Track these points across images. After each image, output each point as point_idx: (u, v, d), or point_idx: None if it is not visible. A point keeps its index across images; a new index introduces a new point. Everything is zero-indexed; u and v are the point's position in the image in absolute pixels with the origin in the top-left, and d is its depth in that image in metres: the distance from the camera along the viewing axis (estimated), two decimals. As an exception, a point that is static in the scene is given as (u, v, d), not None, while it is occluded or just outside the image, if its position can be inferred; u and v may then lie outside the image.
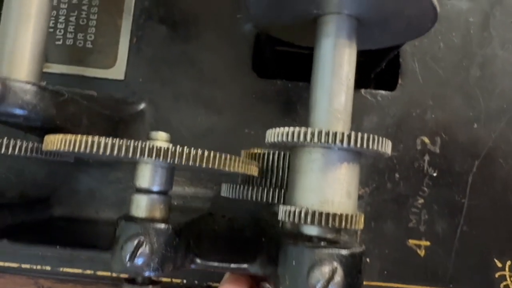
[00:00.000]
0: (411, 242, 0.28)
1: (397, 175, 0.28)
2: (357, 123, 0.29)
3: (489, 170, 0.28)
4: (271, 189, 0.19)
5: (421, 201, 0.28)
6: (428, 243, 0.28)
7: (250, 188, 0.20)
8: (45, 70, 0.27)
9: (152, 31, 0.28)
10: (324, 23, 0.19)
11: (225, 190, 0.21)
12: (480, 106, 0.29)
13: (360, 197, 0.28)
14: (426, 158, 0.28)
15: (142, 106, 0.28)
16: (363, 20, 0.19)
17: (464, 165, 0.28)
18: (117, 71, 0.28)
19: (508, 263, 0.28)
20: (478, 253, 0.28)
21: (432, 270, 0.28)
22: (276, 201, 0.19)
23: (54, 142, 0.17)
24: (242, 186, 0.20)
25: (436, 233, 0.28)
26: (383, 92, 0.29)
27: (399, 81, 0.29)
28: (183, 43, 0.28)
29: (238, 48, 0.28)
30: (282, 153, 0.20)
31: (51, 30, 0.27)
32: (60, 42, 0.28)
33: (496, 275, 0.28)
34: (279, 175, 0.20)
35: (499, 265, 0.28)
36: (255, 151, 0.22)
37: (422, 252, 0.28)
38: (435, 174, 0.28)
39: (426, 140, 0.28)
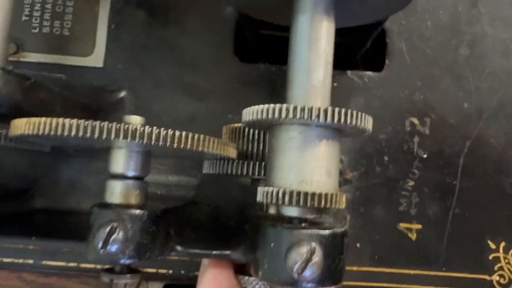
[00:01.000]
0: (402, 226, 0.27)
1: (386, 158, 0.27)
2: (343, 105, 0.28)
3: (481, 151, 0.28)
4: (252, 163, 0.19)
5: (411, 183, 0.27)
6: (419, 226, 0.27)
7: (231, 163, 0.19)
8: (22, 59, 0.27)
9: (130, 17, 0.28)
10: (300, -3, 0.18)
11: (207, 167, 0.21)
12: (470, 85, 0.28)
13: (349, 182, 0.28)
14: (416, 139, 0.28)
15: (122, 94, 0.27)
16: (340, -7, 0.18)
17: (455, 146, 0.28)
18: (96, 59, 0.27)
19: (502, 244, 0.27)
20: (471, 235, 0.27)
21: (424, 254, 0.27)
22: (256, 174, 0.19)
23: (20, 126, 0.16)
24: (223, 161, 0.19)
25: (427, 216, 0.27)
26: (370, 73, 0.28)
27: (386, 61, 0.28)
28: (163, 28, 0.28)
29: (219, 33, 0.28)
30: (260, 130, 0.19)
31: (27, 18, 0.27)
32: (37, 31, 0.27)
33: (490, 257, 0.27)
34: (260, 149, 0.19)
35: (493, 246, 0.27)
36: (236, 125, 0.21)
37: (413, 236, 0.27)
38: (425, 156, 0.27)
39: (416, 121, 0.28)
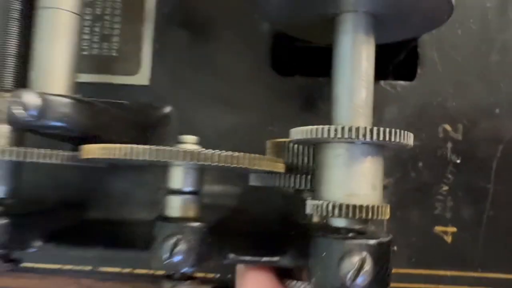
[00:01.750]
0: (438, 229, 0.28)
1: (420, 164, 0.28)
2: (378, 114, 0.29)
3: None
4: (297, 176, 0.20)
5: (445, 188, 0.28)
6: (454, 229, 0.28)
7: (277, 176, 0.21)
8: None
9: (173, 37, 0.29)
10: (342, 21, 0.19)
11: (253, 180, 0.22)
12: (501, 91, 0.29)
13: (385, 188, 0.29)
14: (449, 145, 0.29)
15: (167, 109, 0.29)
16: (380, 16, 0.19)
17: (488, 150, 0.29)
18: (142, 77, 0.29)
19: None
20: (506, 237, 0.28)
21: (460, 256, 0.28)
22: (301, 186, 0.20)
23: (93, 150, 0.18)
24: (269, 174, 0.21)
25: (462, 219, 0.28)
26: (402, 82, 0.29)
27: (418, 70, 0.29)
28: (204, 46, 0.29)
29: (256, 48, 0.29)
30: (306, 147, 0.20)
31: (78, 41, 0.29)
32: (87, 53, 0.29)
33: None
34: (304, 162, 0.20)
35: None
36: (279, 140, 0.23)
37: (449, 239, 0.28)
38: (458, 161, 0.28)
39: (448, 127, 0.29)
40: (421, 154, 0.29)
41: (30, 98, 0.17)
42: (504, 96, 0.29)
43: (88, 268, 0.29)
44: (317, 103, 0.29)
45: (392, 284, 0.28)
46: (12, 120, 0.18)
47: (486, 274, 0.28)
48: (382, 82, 0.29)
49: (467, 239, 0.28)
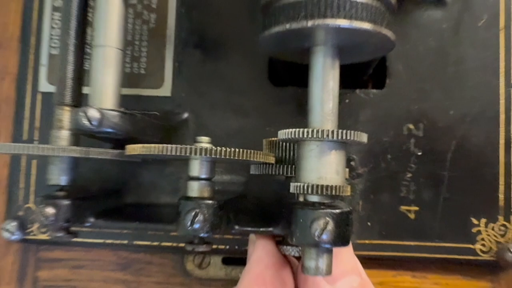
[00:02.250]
0: (403, 208, 0.35)
1: (389, 156, 0.35)
2: (355, 117, 0.35)
3: (465, 148, 0.34)
4: (285, 166, 0.27)
5: (409, 175, 0.35)
6: (417, 208, 0.34)
7: (270, 166, 0.27)
8: (111, 93, 0.36)
9: (189, 56, 0.35)
10: (315, 51, 0.26)
11: (253, 169, 0.29)
12: (455, 96, 0.34)
13: (360, 175, 0.35)
14: (412, 141, 0.35)
15: (185, 115, 0.35)
16: (342, 47, 0.26)
17: (444, 145, 0.34)
18: (165, 90, 0.36)
19: (483, 220, 0.34)
20: (458, 214, 0.34)
21: (421, 229, 0.34)
22: (289, 173, 0.27)
23: (136, 148, 0.25)
24: (265, 165, 0.28)
25: (423, 200, 0.34)
26: (374, 90, 0.35)
27: (387, 80, 0.35)
28: (214, 63, 0.35)
29: (257, 64, 0.35)
30: (290, 145, 0.27)
31: (113, 62, 0.36)
32: (121, 71, 0.36)
33: (473, 230, 0.34)
34: (290, 155, 0.27)
35: (475, 222, 0.34)
36: (273, 139, 0.30)
37: (412, 216, 0.35)
38: (420, 154, 0.34)
39: (412, 126, 0.35)
40: (389, 148, 0.34)
41: (93, 112, 0.24)
42: (457, 100, 0.34)
43: (125, 242, 0.35)
44: (304, 108, 0.35)
45: (366, 252, 0.35)
46: (78, 128, 0.25)
47: (442, 244, 0.34)
48: (357, 91, 0.35)
49: (427, 216, 0.34)
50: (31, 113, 0.36)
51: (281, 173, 0.28)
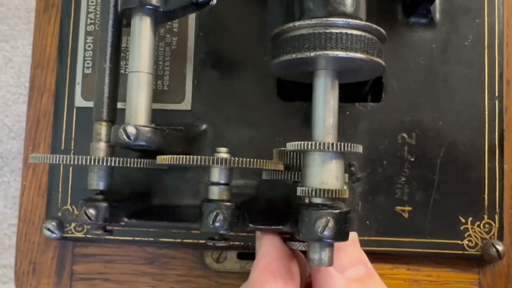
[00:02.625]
0: (398, 208, 0.38)
1: (385, 162, 0.38)
2: (354, 128, 0.39)
3: (453, 154, 0.37)
4: (292, 172, 0.31)
5: (403, 179, 0.38)
6: (410, 208, 0.38)
7: (280, 172, 0.32)
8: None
9: (207, 75, 0.39)
10: (317, 75, 0.30)
11: (265, 175, 0.33)
12: (444, 108, 0.38)
13: (359, 179, 0.39)
14: (406, 148, 0.38)
15: (204, 127, 0.39)
16: (340, 71, 0.31)
17: (434, 151, 0.37)
18: (186, 104, 0.40)
19: (470, 219, 0.37)
20: (447, 214, 0.37)
21: (414, 227, 0.37)
22: (295, 179, 0.31)
23: (166, 159, 0.30)
24: (275, 171, 0.32)
25: (415, 201, 0.37)
26: (372, 104, 0.38)
27: (383, 95, 0.38)
28: (229, 81, 0.39)
29: (266, 82, 0.39)
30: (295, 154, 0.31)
31: (140, 80, 0.40)
32: (147, 88, 0.40)
33: (461, 228, 0.37)
34: (297, 163, 0.31)
35: (463, 220, 0.37)
36: (282, 149, 0.34)
37: (406, 215, 0.38)
38: (412, 160, 0.38)
39: (405, 135, 0.39)
40: (385, 155, 0.38)
41: (131, 129, 0.29)
42: (446, 112, 0.38)
43: (151, 239, 0.39)
44: (309, 120, 0.38)
45: (365, 248, 0.38)
46: (117, 142, 0.30)
47: (433, 240, 0.37)
48: (357, 104, 0.39)
49: (419, 215, 0.37)
50: (68, 125, 0.41)
51: (289, 178, 0.32)
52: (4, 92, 0.64)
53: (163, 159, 0.30)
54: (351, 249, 0.32)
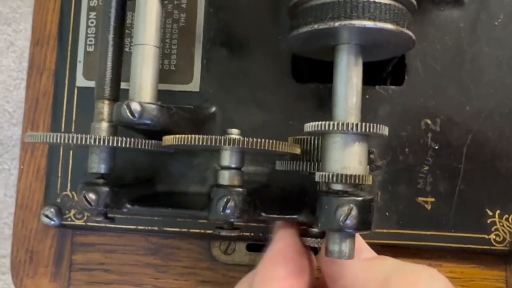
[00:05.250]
0: (420, 199, 0.36)
1: (407, 150, 0.36)
2: (374, 112, 0.37)
3: (480, 142, 0.35)
4: (309, 162, 0.29)
5: (426, 168, 0.36)
6: (433, 199, 0.35)
7: (295, 162, 0.29)
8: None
9: (216, 54, 0.37)
10: (339, 50, 0.28)
11: (279, 165, 0.31)
12: (471, 92, 0.36)
13: (379, 167, 0.37)
14: (429, 135, 0.36)
15: (213, 109, 0.37)
16: (365, 45, 0.28)
17: (460, 139, 0.35)
18: (194, 85, 0.38)
19: (498, 212, 0.35)
20: (473, 206, 0.35)
21: (437, 220, 0.35)
22: (312, 170, 0.29)
23: (170, 139, 0.27)
24: (290, 161, 0.30)
25: (439, 192, 0.35)
26: (393, 87, 0.36)
27: (405, 77, 0.36)
28: (240, 61, 0.37)
29: (280, 61, 0.36)
30: (315, 137, 0.29)
31: (145, 59, 0.38)
32: (152, 67, 0.38)
33: (488, 221, 0.35)
34: (314, 152, 0.29)
35: (490, 213, 0.35)
36: (298, 137, 0.31)
37: (429, 206, 0.36)
38: (436, 147, 0.35)
39: (429, 121, 0.36)
40: (407, 142, 0.35)
41: (135, 105, 0.26)
42: (473, 96, 0.35)
43: (155, 228, 0.37)
44: (326, 103, 0.37)
45: (384, 241, 0.36)
46: (120, 120, 0.27)
47: (456, 234, 0.35)
48: (377, 87, 0.36)
49: (443, 207, 0.35)
50: (68, 106, 0.39)
51: (305, 169, 0.29)
52: (5, 77, 0.62)
53: (170, 140, 0.27)
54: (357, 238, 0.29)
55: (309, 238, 0.30)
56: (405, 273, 0.25)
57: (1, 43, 0.63)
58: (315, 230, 0.29)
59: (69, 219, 0.38)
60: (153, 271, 0.38)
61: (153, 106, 0.27)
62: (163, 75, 0.37)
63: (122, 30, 0.32)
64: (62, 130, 0.38)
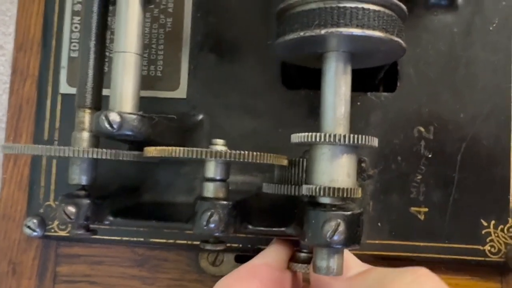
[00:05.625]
0: (413, 209, 0.35)
1: (399, 158, 0.35)
2: (366, 119, 0.36)
3: (474, 150, 0.34)
4: (294, 186, 0.27)
5: (419, 177, 0.35)
6: (426, 209, 0.35)
7: (282, 186, 0.28)
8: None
9: (204, 59, 0.36)
10: (327, 57, 0.27)
11: (265, 188, 0.29)
12: (465, 99, 0.35)
13: (371, 177, 0.36)
14: (422, 143, 0.35)
15: (200, 117, 0.36)
16: (354, 53, 0.27)
17: (454, 147, 0.34)
18: (181, 92, 0.37)
19: (492, 222, 0.34)
20: (467, 216, 0.34)
21: (430, 230, 0.34)
22: (297, 194, 0.27)
23: (154, 151, 0.26)
24: (277, 184, 0.28)
25: (432, 201, 0.34)
26: (385, 93, 0.35)
27: (398, 84, 0.35)
28: (229, 66, 0.36)
29: (270, 67, 0.35)
30: (302, 161, 0.27)
31: (131, 64, 0.37)
32: (138, 73, 0.37)
33: (483, 232, 0.34)
34: (298, 176, 0.28)
35: (485, 224, 0.34)
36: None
37: (422, 217, 0.35)
38: (430, 156, 0.34)
39: (422, 129, 0.35)
40: (400, 150, 0.35)
41: (114, 116, 0.25)
42: (467, 103, 0.35)
43: (141, 239, 0.36)
44: (317, 110, 0.35)
45: (376, 252, 0.35)
46: (99, 131, 0.26)
47: (450, 245, 0.34)
48: (369, 94, 0.35)
49: (436, 217, 0.34)
50: (52, 114, 0.37)
51: (292, 193, 0.28)
52: (-6, 80, 0.61)
53: (151, 151, 0.26)
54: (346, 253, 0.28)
55: (297, 264, 0.29)
56: (387, 282, 0.24)
57: (-10, 46, 0.62)
58: (303, 255, 0.28)
59: (53, 230, 0.37)
60: (139, 283, 0.37)
61: (134, 116, 0.26)
62: (149, 81, 0.37)
63: (104, 36, 0.31)
64: (46, 138, 0.37)
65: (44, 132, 0.37)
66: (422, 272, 0.25)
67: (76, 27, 0.38)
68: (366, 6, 0.24)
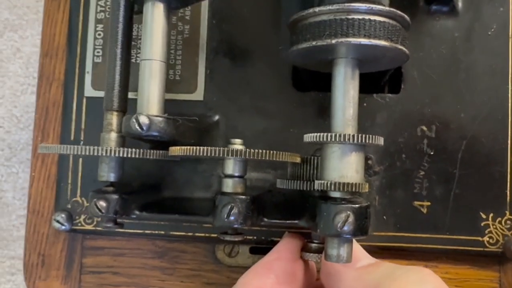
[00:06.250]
0: (416, 203, 0.37)
1: (403, 155, 0.37)
2: (371, 119, 0.38)
3: (474, 148, 0.36)
4: (306, 182, 0.30)
5: (422, 173, 0.37)
6: (429, 203, 0.36)
7: (295, 182, 0.30)
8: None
9: (219, 64, 0.38)
10: (337, 63, 0.29)
11: (279, 183, 0.31)
12: (465, 100, 0.37)
13: (377, 173, 0.38)
14: (425, 141, 0.37)
15: (216, 118, 0.38)
16: (362, 59, 0.29)
17: (455, 145, 0.36)
18: (198, 95, 0.39)
19: (491, 215, 0.36)
20: (467, 209, 0.36)
21: (432, 223, 0.36)
22: (309, 189, 0.29)
23: (177, 150, 0.29)
24: (290, 180, 0.31)
25: (435, 196, 0.36)
26: (390, 95, 0.37)
27: (402, 85, 0.37)
28: (243, 70, 0.38)
29: (281, 71, 0.37)
30: (314, 158, 0.30)
31: (151, 69, 0.39)
32: (158, 77, 0.39)
33: (482, 224, 0.36)
34: (310, 172, 0.30)
35: (484, 216, 0.36)
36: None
37: (425, 210, 0.37)
38: (432, 153, 0.36)
39: (425, 128, 0.37)
40: (404, 148, 0.37)
41: (143, 119, 0.28)
42: (468, 104, 0.36)
43: (162, 232, 0.38)
44: (325, 111, 0.38)
45: (382, 244, 0.38)
46: (129, 132, 0.29)
47: (452, 236, 0.36)
48: (374, 95, 0.37)
49: (438, 211, 0.36)
50: (77, 116, 0.40)
51: (304, 188, 0.30)
52: (13, 82, 0.64)
53: (176, 150, 0.29)
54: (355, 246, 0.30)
55: (309, 254, 0.32)
56: (395, 278, 0.26)
57: (8, 49, 0.65)
58: (315, 245, 0.31)
59: (79, 224, 0.39)
60: (159, 273, 0.40)
61: (160, 118, 0.29)
62: (168, 85, 0.38)
63: (129, 43, 0.33)
64: (72, 138, 0.40)
65: (70, 132, 0.40)
66: (427, 272, 0.27)
67: (99, 34, 0.40)
68: (372, 17, 0.26)
